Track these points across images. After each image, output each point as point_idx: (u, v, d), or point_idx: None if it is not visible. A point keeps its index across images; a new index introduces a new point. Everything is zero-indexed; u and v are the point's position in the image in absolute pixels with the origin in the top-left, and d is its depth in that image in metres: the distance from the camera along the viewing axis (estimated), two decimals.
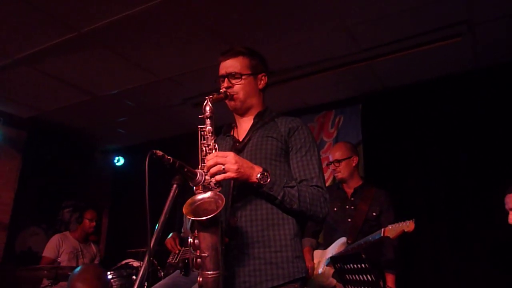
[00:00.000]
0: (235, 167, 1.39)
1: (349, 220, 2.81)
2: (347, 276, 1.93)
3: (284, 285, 1.45)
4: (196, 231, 1.34)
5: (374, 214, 2.78)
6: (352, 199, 2.90)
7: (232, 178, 1.41)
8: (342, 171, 2.94)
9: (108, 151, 6.07)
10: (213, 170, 1.39)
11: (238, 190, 1.54)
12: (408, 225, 2.36)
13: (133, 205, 5.13)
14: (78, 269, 3.02)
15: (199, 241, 1.33)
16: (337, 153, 2.98)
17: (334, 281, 2.62)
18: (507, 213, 2.31)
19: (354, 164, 2.98)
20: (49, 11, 2.87)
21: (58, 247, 4.07)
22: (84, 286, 2.36)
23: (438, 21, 3.05)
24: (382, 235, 2.44)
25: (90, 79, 3.91)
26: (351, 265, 1.86)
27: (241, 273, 1.46)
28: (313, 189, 1.53)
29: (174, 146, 4.81)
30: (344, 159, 2.94)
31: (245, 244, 1.48)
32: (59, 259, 4.00)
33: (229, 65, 1.68)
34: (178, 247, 3.06)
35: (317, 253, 2.89)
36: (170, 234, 3.18)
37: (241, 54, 1.70)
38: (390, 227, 2.42)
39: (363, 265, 1.77)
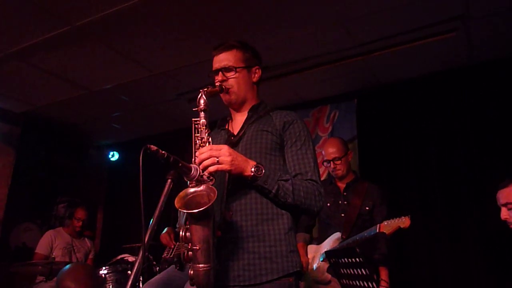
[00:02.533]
0: (229, 159, 1.39)
1: (343, 215, 2.81)
2: (341, 270, 1.94)
3: (279, 279, 1.45)
4: (188, 224, 1.34)
5: (367, 208, 2.79)
6: (345, 193, 2.90)
7: (226, 170, 1.41)
8: (342, 169, 2.91)
9: (103, 146, 6.05)
10: (206, 162, 1.38)
11: (232, 184, 1.54)
12: (404, 221, 2.37)
13: (128, 200, 5.13)
14: (67, 267, 3.00)
15: (190, 234, 1.33)
16: (333, 150, 2.93)
17: (329, 276, 2.63)
18: (500, 210, 2.32)
19: (350, 160, 3.00)
20: (41, 4, 2.84)
21: (51, 243, 4.07)
22: (77, 286, 2.35)
23: (433, 16, 3.05)
24: (377, 230, 2.44)
25: (84, 73, 3.88)
26: (346, 259, 1.87)
27: (235, 268, 1.46)
28: (307, 183, 1.53)
29: (169, 141, 4.82)
30: (343, 156, 2.92)
31: (239, 238, 1.48)
32: (53, 255, 3.99)
33: (223, 58, 1.67)
34: (173, 241, 3.06)
35: (311, 248, 2.89)
36: (165, 229, 3.18)
37: (234, 47, 1.69)
38: (386, 223, 2.42)
39: (357, 259, 1.78)
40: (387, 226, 2.41)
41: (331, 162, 2.93)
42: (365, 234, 2.51)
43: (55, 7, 2.88)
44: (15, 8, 2.88)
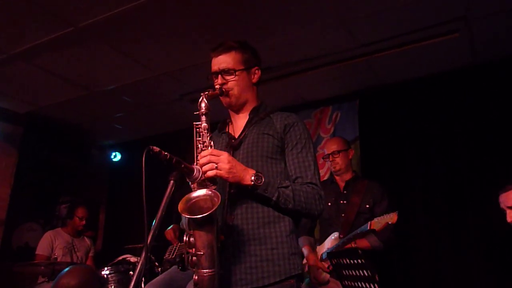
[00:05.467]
0: (227, 167, 1.39)
1: (343, 215, 2.82)
2: (343, 271, 1.94)
3: (281, 282, 1.45)
4: (191, 229, 1.34)
5: (367, 206, 2.79)
6: (345, 192, 2.91)
7: (223, 178, 1.41)
8: (340, 163, 2.95)
9: (105, 147, 6.06)
10: (205, 168, 1.38)
11: (234, 188, 1.53)
12: (392, 217, 2.36)
13: (130, 201, 5.12)
14: (62, 272, 3.03)
15: (194, 239, 1.32)
16: (334, 146, 3.01)
17: (327, 276, 2.64)
18: (504, 213, 2.28)
19: (350, 157, 3.03)
20: (45, 5, 2.85)
21: (52, 244, 4.08)
22: (73, 280, 2.39)
23: (436, 17, 3.05)
24: (368, 228, 2.45)
25: (87, 74, 3.89)
26: (348, 260, 1.87)
27: (237, 271, 1.45)
28: (307, 187, 1.52)
29: (171, 142, 4.81)
30: (342, 151, 2.97)
31: (241, 241, 1.48)
32: (54, 255, 4.00)
33: (222, 61, 1.64)
34: (177, 240, 3.06)
35: None
36: (171, 226, 3.17)
37: (233, 48, 1.66)
38: (376, 220, 2.42)
39: (359, 261, 1.78)
40: (377, 223, 2.40)
41: (330, 156, 2.97)
42: (358, 231, 2.51)
43: (58, 8, 2.89)
44: (19, 9, 2.89)
